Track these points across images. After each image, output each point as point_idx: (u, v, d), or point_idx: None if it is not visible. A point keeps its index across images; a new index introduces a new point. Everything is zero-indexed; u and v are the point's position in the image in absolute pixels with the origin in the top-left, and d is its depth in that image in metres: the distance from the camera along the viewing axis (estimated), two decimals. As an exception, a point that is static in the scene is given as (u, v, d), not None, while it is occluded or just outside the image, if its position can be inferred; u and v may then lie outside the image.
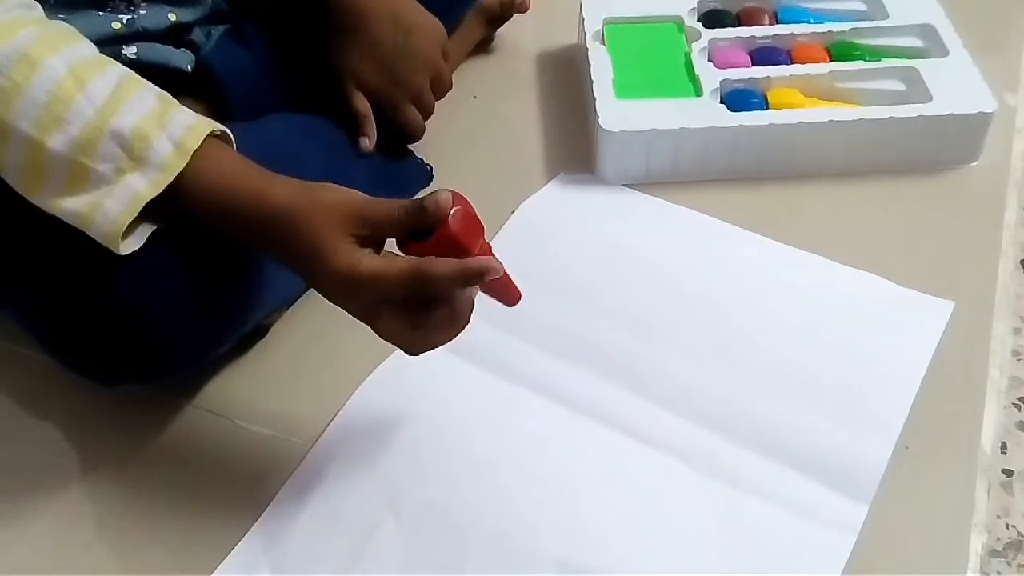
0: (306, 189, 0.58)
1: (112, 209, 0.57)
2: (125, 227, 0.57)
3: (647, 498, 0.67)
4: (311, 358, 0.77)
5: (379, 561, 0.64)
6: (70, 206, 0.57)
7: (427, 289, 0.56)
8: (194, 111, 0.73)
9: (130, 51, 0.70)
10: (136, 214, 0.57)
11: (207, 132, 0.59)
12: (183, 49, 0.75)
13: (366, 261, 0.56)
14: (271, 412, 0.73)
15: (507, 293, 0.63)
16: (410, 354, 0.60)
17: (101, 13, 0.68)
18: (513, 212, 0.87)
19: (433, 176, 0.90)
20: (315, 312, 0.76)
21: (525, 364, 0.75)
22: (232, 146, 0.62)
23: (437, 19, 0.83)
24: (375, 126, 0.84)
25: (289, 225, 0.57)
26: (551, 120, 0.99)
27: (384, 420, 0.72)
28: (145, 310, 0.62)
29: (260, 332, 0.77)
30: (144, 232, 0.59)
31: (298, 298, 0.78)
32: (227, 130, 0.61)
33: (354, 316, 0.59)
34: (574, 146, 0.95)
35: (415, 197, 0.58)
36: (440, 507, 0.66)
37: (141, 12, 0.70)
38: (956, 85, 0.90)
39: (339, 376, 0.74)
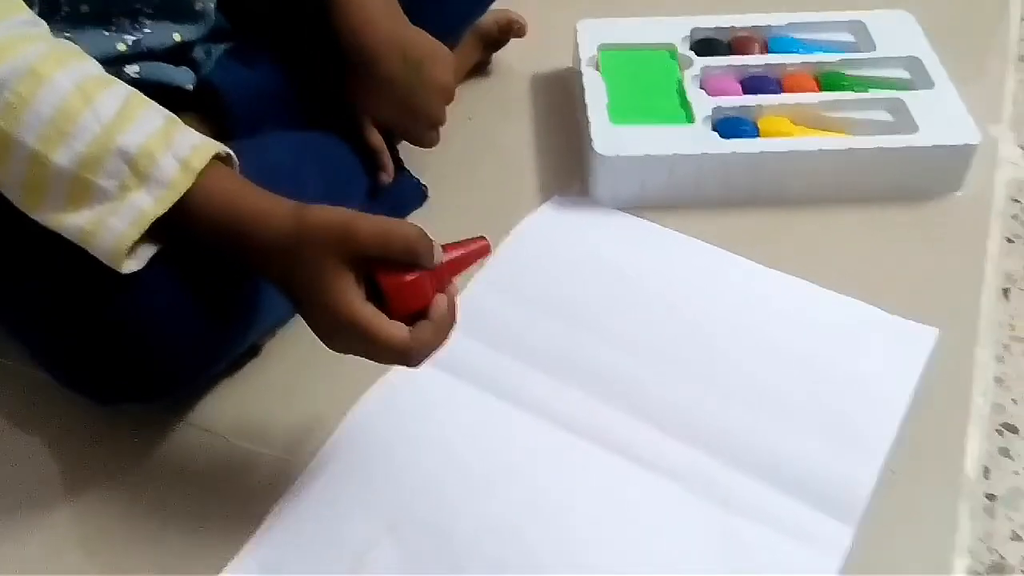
0: (301, 212, 0.58)
1: (116, 226, 0.57)
2: (130, 245, 0.57)
3: (640, 520, 0.67)
4: (305, 377, 0.77)
5: (376, 580, 0.64)
6: (72, 222, 0.57)
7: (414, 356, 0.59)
8: (195, 129, 0.74)
9: (132, 70, 0.70)
10: (142, 231, 0.57)
11: (212, 153, 0.59)
12: (184, 67, 0.76)
13: (364, 312, 0.57)
14: (265, 431, 0.73)
15: (476, 258, 0.63)
16: (410, 366, 0.61)
17: (107, 32, 0.68)
18: (508, 234, 0.88)
19: (427, 196, 0.91)
20: (308, 331, 0.76)
21: (520, 385, 0.76)
22: (235, 168, 0.62)
23: (442, 43, 0.84)
24: (390, 156, 0.85)
25: (286, 252, 0.58)
26: (545, 143, 1.00)
27: (379, 440, 0.72)
28: (146, 329, 0.62)
29: (253, 351, 0.77)
30: (145, 254, 0.59)
31: (291, 318, 0.79)
32: (231, 152, 0.62)
33: (325, 343, 0.60)
34: (568, 169, 0.96)
35: (405, 233, 0.58)
36: (436, 528, 0.67)
37: (146, 31, 0.70)
38: (941, 116, 0.92)
39: (333, 395, 0.75)
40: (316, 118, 0.83)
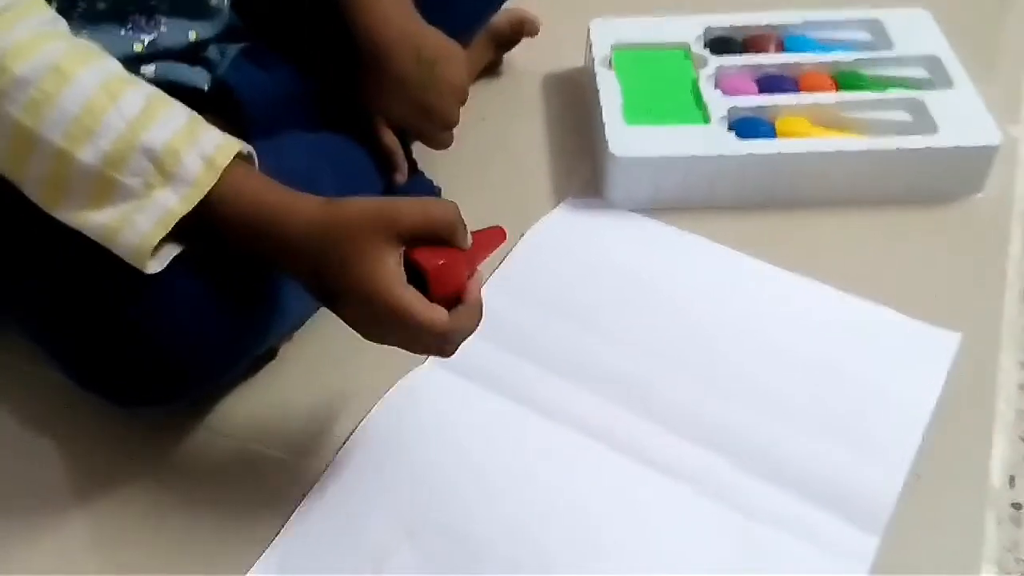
0: (333, 205, 0.58)
1: (142, 224, 0.56)
2: (155, 244, 0.57)
3: (660, 526, 0.67)
4: (321, 380, 0.76)
5: (393, 586, 0.64)
6: (96, 219, 0.57)
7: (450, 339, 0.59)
8: None
9: (149, 70, 0.70)
10: (168, 229, 0.57)
11: (236, 150, 0.59)
12: (199, 68, 0.75)
13: (406, 297, 0.56)
14: (282, 434, 0.73)
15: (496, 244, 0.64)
16: (445, 354, 0.61)
17: (123, 32, 0.68)
18: (522, 236, 0.87)
19: (440, 196, 0.90)
20: (324, 335, 0.75)
21: (534, 388, 0.75)
22: (255, 166, 0.62)
23: (456, 42, 0.83)
24: (404, 157, 0.85)
25: (317, 243, 0.57)
26: (559, 144, 0.99)
27: (396, 444, 0.72)
28: (165, 330, 0.62)
29: (270, 354, 0.77)
30: (168, 254, 0.59)
31: (308, 320, 0.78)
32: (252, 150, 0.61)
33: (362, 334, 0.59)
34: (582, 170, 0.95)
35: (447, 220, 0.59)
36: (454, 532, 0.66)
37: (162, 30, 0.70)
38: (961, 117, 0.90)
39: (350, 399, 0.74)
40: (330, 119, 0.82)
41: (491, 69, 1.06)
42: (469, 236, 0.60)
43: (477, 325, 0.60)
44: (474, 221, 0.61)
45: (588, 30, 1.03)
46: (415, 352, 0.61)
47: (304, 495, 0.68)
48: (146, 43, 0.69)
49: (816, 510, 0.67)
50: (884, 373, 0.75)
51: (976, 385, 0.75)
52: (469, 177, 0.93)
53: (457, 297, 0.59)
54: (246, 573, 0.65)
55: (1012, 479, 0.70)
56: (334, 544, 0.66)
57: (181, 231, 0.58)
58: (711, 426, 0.72)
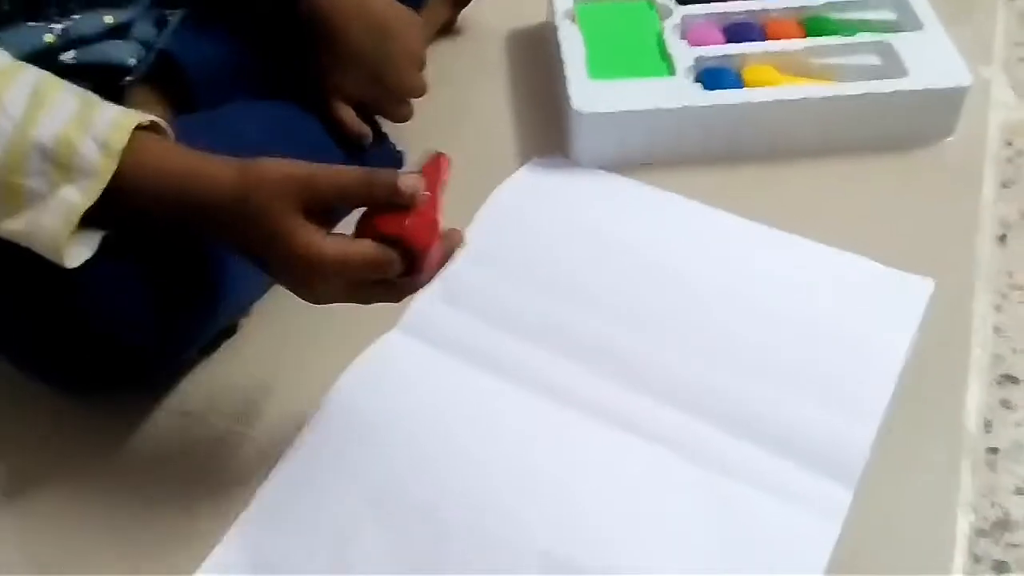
0: (250, 167, 0.56)
1: (49, 225, 0.55)
2: (65, 241, 0.55)
3: (634, 488, 0.66)
4: (283, 355, 0.75)
5: (363, 560, 0.62)
6: (11, 227, 0.55)
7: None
8: (151, 104, 0.69)
9: (68, 56, 0.67)
10: (74, 226, 0.55)
11: (133, 125, 0.56)
12: (123, 41, 0.72)
13: (328, 244, 0.55)
14: (245, 411, 0.71)
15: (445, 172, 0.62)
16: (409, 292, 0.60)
17: (33, 24, 0.65)
18: (486, 199, 0.85)
19: (403, 163, 0.88)
20: (284, 309, 0.73)
21: (503, 354, 0.73)
22: (167, 135, 0.59)
23: (410, 9, 0.80)
24: (362, 127, 0.82)
25: (239, 208, 0.55)
26: (522, 103, 0.97)
27: (363, 416, 0.70)
28: (105, 318, 0.60)
29: (229, 331, 0.75)
30: (92, 239, 0.57)
31: (264, 294, 0.76)
32: (157, 119, 0.59)
33: (306, 298, 0.58)
34: (546, 129, 0.93)
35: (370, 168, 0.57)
36: (423, 504, 0.65)
37: (75, 17, 0.67)
38: (931, 59, 0.89)
39: (313, 373, 0.73)
40: (282, 90, 0.79)
41: (448, 28, 1.03)
42: (409, 183, 0.57)
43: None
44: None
45: (549, -16, 1.00)
46: (368, 300, 0.59)
47: (270, 470, 0.67)
48: (58, 31, 0.66)
49: (789, 462, 0.66)
50: (857, 322, 0.74)
51: (951, 330, 0.74)
52: (430, 140, 0.88)
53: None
54: (211, 552, 0.63)
55: (988, 423, 0.69)
56: (300, 521, 0.65)
57: (99, 218, 0.56)
58: (683, 384, 0.71)
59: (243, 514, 0.65)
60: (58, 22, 0.66)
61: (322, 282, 0.57)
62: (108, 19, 0.69)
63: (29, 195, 0.55)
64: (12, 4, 0.63)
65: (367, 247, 0.56)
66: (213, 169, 0.57)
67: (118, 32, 0.71)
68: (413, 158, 0.87)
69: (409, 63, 0.80)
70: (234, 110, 0.75)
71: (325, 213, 0.56)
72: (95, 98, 0.58)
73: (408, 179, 0.56)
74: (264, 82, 0.79)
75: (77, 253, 0.56)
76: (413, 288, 0.60)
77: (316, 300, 0.58)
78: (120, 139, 0.55)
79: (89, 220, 0.56)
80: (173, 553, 0.64)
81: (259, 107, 0.78)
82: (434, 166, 0.61)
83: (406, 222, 0.56)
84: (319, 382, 0.72)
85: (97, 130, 0.55)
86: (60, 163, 0.54)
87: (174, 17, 0.76)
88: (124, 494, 0.67)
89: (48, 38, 0.65)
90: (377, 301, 0.60)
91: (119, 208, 0.56)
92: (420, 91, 0.82)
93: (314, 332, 0.74)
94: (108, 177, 0.55)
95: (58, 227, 0.54)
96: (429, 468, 0.67)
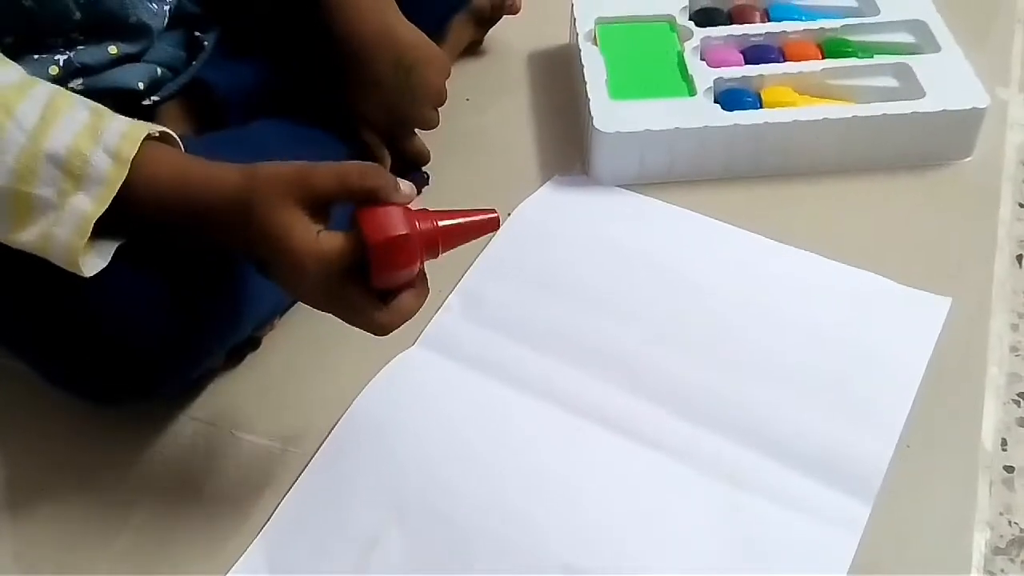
0: (253, 169, 0.57)
1: (62, 236, 0.55)
2: (80, 251, 0.56)
3: (650, 499, 0.66)
4: (306, 368, 0.76)
5: (384, 569, 0.63)
6: (25, 239, 0.56)
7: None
8: (177, 122, 0.70)
9: (76, 83, 0.68)
10: (87, 235, 0.55)
11: (143, 135, 0.57)
12: (133, 65, 0.72)
13: (324, 238, 0.55)
14: (269, 423, 0.72)
15: (479, 231, 0.61)
16: (379, 334, 0.59)
17: (37, 56, 0.66)
18: (509, 215, 0.87)
19: (429, 182, 0.89)
20: (307, 322, 0.75)
21: (524, 368, 0.74)
22: (176, 146, 0.60)
23: (439, 49, 0.81)
24: (386, 150, 0.83)
25: (241, 208, 0.56)
26: (544, 122, 0.98)
27: (384, 428, 0.71)
28: (124, 328, 0.61)
29: (252, 344, 0.76)
30: (107, 248, 0.58)
31: (288, 309, 0.77)
32: (166, 130, 0.60)
33: (313, 303, 0.58)
34: (568, 147, 0.94)
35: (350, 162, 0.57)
36: (444, 513, 0.66)
37: (79, 48, 0.68)
38: (948, 81, 0.89)
39: (335, 385, 0.74)
40: (310, 112, 0.81)
41: (473, 48, 1.05)
42: (407, 186, 0.57)
43: (416, 308, 0.59)
44: (460, 202, 0.61)
45: (572, 5, 1.01)
46: (354, 325, 0.58)
47: (293, 481, 0.68)
48: (61, 63, 0.67)
49: (807, 478, 0.66)
50: (875, 340, 0.75)
51: (967, 349, 0.74)
52: (455, 158, 0.92)
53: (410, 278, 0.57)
54: (235, 563, 0.64)
55: (1004, 442, 0.70)
56: (324, 531, 0.66)
57: (112, 227, 0.57)
58: (700, 398, 0.72)
59: (265, 527, 0.66)
60: (63, 53, 0.67)
61: (322, 277, 0.56)
62: (113, 50, 0.70)
63: (41, 204, 0.55)
64: (16, 38, 0.64)
65: (340, 236, 0.56)
66: (219, 173, 0.58)
67: (127, 59, 0.72)
68: (436, 175, 0.89)
69: (425, 98, 0.81)
70: (260, 127, 0.77)
71: (329, 209, 0.57)
72: (106, 110, 0.58)
73: (405, 182, 0.58)
74: (292, 104, 0.81)
75: (92, 264, 0.57)
76: (381, 320, 0.58)
77: (303, 296, 0.59)
78: (130, 148, 0.56)
79: (102, 230, 0.56)
80: (196, 563, 0.65)
81: (285, 125, 0.80)
82: (472, 217, 0.60)
83: (376, 212, 0.55)
84: (342, 395, 0.73)
85: (107, 140, 0.56)
86: (71, 172, 0.55)
87: (208, 39, 0.78)
88: (146, 503, 0.68)
89: (53, 70, 0.66)
90: (353, 319, 0.58)
91: (130, 216, 0.57)
92: (430, 125, 0.83)
93: (337, 346, 0.75)
94: (119, 185, 0.55)
95: (72, 236, 0.55)
96: (451, 481, 0.68)
